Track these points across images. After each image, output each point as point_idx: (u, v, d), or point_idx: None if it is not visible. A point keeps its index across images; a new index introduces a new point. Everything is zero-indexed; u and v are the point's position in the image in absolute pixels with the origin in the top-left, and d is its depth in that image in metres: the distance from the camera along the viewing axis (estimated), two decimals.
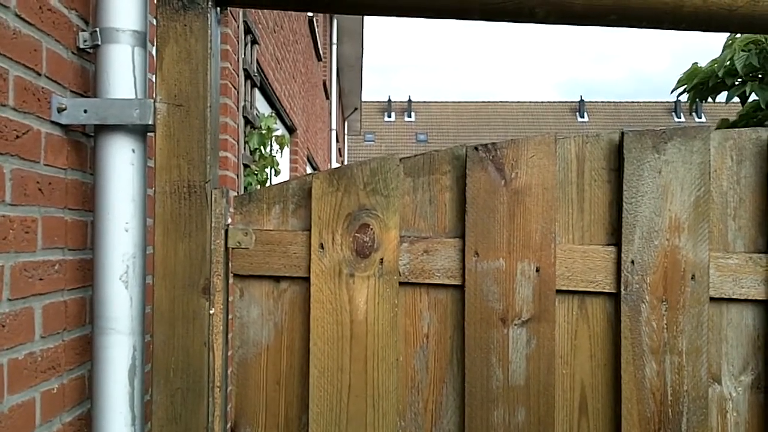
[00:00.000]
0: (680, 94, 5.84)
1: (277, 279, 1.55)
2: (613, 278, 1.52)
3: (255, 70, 4.22)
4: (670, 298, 1.50)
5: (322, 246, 1.51)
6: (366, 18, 13.72)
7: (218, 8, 1.53)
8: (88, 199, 1.57)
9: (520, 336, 1.51)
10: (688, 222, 1.50)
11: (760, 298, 1.51)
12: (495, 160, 1.51)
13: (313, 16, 8.63)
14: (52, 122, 1.43)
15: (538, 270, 1.51)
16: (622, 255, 1.50)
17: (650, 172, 1.51)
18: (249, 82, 4.11)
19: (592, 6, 1.50)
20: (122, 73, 1.49)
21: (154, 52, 1.51)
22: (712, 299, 1.52)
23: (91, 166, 1.57)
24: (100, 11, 1.49)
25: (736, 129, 1.55)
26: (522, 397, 1.51)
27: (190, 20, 1.44)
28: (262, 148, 4.23)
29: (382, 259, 1.51)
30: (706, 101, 5.75)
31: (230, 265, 1.54)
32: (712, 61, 5.58)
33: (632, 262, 1.50)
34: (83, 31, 1.54)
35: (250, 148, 4.14)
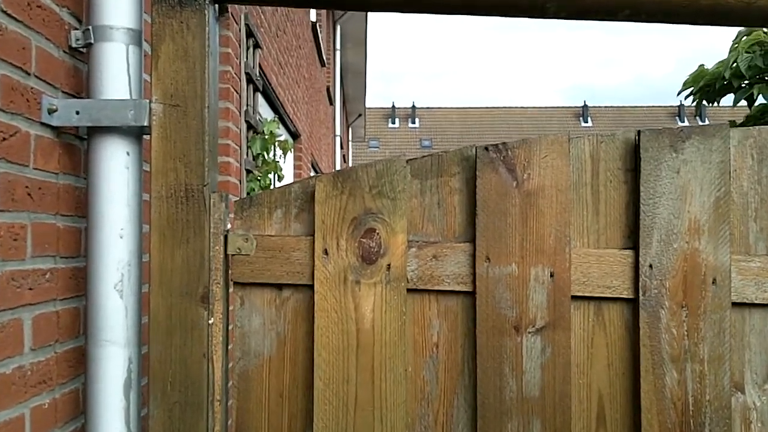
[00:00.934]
0: (686, 97, 5.79)
1: (280, 287, 1.49)
2: (630, 283, 1.46)
3: (257, 74, 4.19)
4: (691, 303, 1.44)
5: (326, 252, 1.45)
6: (370, 24, 13.74)
7: (216, 5, 1.49)
8: (81, 205, 1.51)
9: (534, 344, 1.45)
10: (708, 224, 1.44)
11: None
12: (506, 161, 1.46)
13: (316, 21, 8.62)
14: (43, 124, 1.38)
15: (552, 275, 1.45)
16: (640, 259, 1.44)
17: (668, 172, 1.45)
18: (251, 86, 4.07)
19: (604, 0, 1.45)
20: (116, 73, 1.44)
21: (149, 51, 1.46)
22: (734, 304, 1.46)
23: (85, 170, 1.52)
24: (92, 8, 1.44)
25: (756, 127, 1.50)
26: (537, 408, 1.45)
27: (187, 17, 1.40)
28: (265, 153, 4.21)
29: (389, 265, 1.45)
30: (712, 104, 5.70)
31: (230, 272, 1.49)
32: (719, 63, 5.53)
33: (650, 266, 1.44)
34: (75, 29, 1.50)
35: (252, 153, 4.11)
